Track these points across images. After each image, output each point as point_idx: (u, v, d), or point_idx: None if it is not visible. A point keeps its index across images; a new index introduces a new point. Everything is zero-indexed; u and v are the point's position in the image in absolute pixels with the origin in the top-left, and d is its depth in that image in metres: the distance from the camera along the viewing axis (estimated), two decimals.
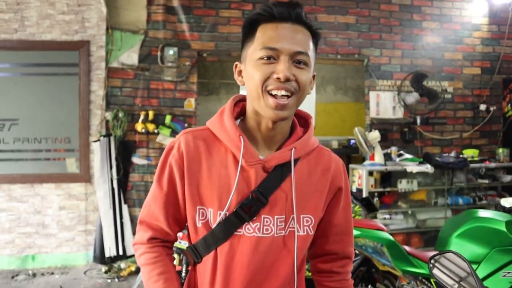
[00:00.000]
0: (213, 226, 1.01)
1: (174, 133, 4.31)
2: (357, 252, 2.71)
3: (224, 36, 4.56)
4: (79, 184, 4.36)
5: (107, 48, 4.33)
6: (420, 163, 4.48)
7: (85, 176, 4.35)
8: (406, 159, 4.56)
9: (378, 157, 4.46)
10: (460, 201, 4.62)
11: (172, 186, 1.06)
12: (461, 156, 4.72)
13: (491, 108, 5.05)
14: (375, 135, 4.47)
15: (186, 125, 4.40)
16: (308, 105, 6.35)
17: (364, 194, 4.22)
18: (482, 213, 2.62)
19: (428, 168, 4.37)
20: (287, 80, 0.95)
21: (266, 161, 1.02)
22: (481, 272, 2.31)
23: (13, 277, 4.08)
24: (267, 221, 1.01)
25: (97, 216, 4.26)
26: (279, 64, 0.95)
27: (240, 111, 1.11)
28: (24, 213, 4.31)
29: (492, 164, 4.72)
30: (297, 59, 0.97)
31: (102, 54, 4.35)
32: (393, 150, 4.62)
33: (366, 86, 4.95)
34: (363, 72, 5.20)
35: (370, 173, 4.33)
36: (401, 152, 4.67)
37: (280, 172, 1.03)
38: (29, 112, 4.32)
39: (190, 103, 4.48)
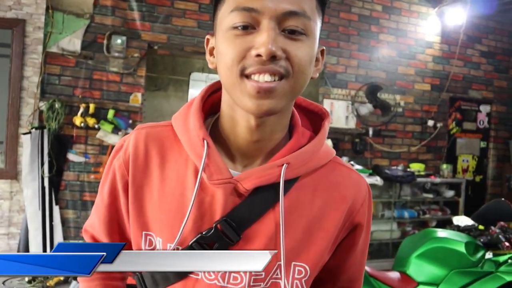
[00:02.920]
0: None
1: (116, 129, 3.94)
2: None
3: (177, 29, 4.26)
4: (3, 181, 3.86)
5: (45, 30, 3.88)
6: (370, 175, 4.47)
7: (10, 172, 3.86)
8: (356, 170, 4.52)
9: None
10: (406, 214, 4.68)
11: (114, 198, 0.79)
12: (408, 170, 4.78)
13: (438, 125, 5.17)
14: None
15: (130, 121, 4.06)
16: None
17: None
18: (441, 233, 2.59)
19: (377, 180, 4.39)
20: (273, 57, 0.62)
21: (240, 179, 0.69)
22: None
23: None
24: None
25: (23, 217, 3.79)
26: (259, 33, 0.63)
27: (217, 104, 0.78)
28: None
29: (437, 179, 4.83)
30: (289, 26, 0.64)
31: (39, 36, 3.89)
32: (344, 160, 4.57)
33: (320, 93, 4.86)
34: (317, 79, 5.12)
35: None
36: (352, 162, 4.63)
37: (264, 198, 0.70)
38: None
39: (137, 98, 4.14)
